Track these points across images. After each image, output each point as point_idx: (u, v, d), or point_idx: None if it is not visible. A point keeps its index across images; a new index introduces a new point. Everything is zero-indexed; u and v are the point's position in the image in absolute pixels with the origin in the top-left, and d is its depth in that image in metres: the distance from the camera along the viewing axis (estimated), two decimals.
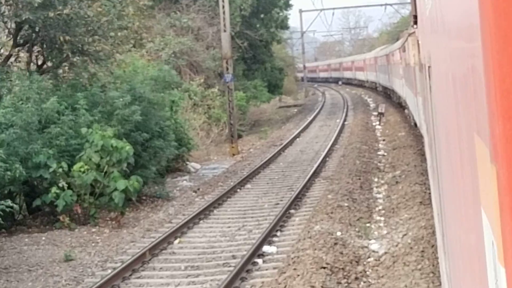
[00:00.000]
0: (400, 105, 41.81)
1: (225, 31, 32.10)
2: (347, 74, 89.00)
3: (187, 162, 28.93)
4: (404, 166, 23.07)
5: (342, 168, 22.95)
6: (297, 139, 34.93)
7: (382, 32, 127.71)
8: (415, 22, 9.03)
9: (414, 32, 14.04)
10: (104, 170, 18.35)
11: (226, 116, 39.13)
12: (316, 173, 22.66)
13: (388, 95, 51.73)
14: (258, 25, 47.90)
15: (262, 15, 49.19)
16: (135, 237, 16.40)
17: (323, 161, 25.28)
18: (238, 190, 21.82)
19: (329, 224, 15.31)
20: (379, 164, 25.25)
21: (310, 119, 46.06)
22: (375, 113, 43.87)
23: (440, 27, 3.29)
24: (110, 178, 18.10)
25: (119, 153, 18.33)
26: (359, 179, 21.21)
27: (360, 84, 76.90)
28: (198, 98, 39.06)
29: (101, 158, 18.29)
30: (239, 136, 42.56)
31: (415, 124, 26.38)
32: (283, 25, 51.84)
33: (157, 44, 40.61)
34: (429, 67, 5.54)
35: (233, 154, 31.99)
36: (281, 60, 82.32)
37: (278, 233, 15.62)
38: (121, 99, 20.28)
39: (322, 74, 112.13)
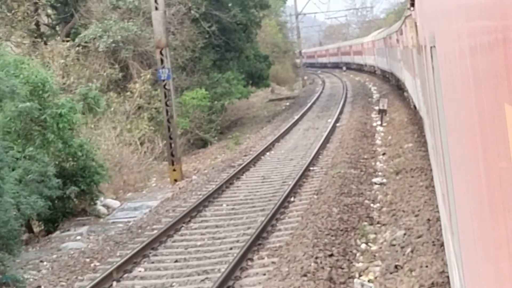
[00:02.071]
0: (399, 88, 39.01)
1: (157, 8, 22.58)
2: (346, 59, 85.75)
3: (97, 201, 19.55)
4: (412, 218, 13.56)
5: (306, 229, 13.39)
6: (268, 153, 25.41)
7: (389, 12, 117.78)
8: (412, 5, 9.54)
9: (411, 15, 13.90)
10: None
11: (182, 121, 29.70)
12: (257, 244, 13.09)
13: (388, 78, 49.22)
14: (230, 5, 38.26)
15: None
16: None
17: (281, 212, 15.67)
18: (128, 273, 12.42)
19: None
20: (371, 207, 15.74)
21: (297, 117, 36.52)
22: (378, 107, 34.14)
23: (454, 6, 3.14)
24: None
25: None
26: (329, 255, 11.70)
27: (360, 69, 73.29)
28: (143, 100, 29.58)
29: None
30: (203, 146, 33.16)
31: (415, 107, 24.02)
32: (263, 4, 42.16)
33: (93, 31, 31.14)
34: (432, 47, 5.40)
35: (175, 180, 22.58)
36: (275, 46, 72.79)
37: None
38: None
39: (321, 60, 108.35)
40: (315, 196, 16.50)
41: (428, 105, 7.57)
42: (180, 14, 35.07)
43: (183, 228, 15.28)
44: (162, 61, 22.69)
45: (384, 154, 23.08)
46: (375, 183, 18.51)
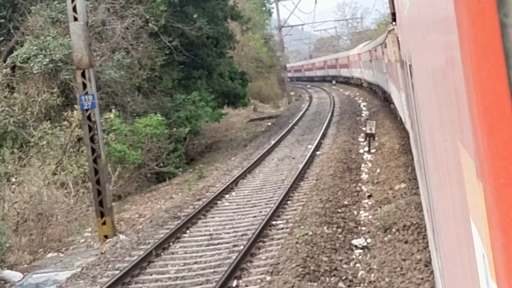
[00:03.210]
0: (385, 99, 37.92)
1: (76, 19, 17.53)
2: (332, 72, 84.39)
3: None
4: None
5: None
6: (227, 195, 20.29)
7: (380, 23, 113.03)
8: (394, 19, 8.86)
9: (393, 29, 13.87)
10: None
11: (133, 154, 24.71)
12: None
13: (374, 91, 48.71)
14: (195, 16, 33.26)
15: (202, 3, 34.55)
16: None
17: None
18: None
19: None
20: None
21: (274, 142, 31.48)
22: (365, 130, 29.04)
23: (420, 34, 3.27)
24: None
25: None
26: None
27: (347, 82, 72.57)
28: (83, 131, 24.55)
29: None
30: (162, 179, 28.11)
31: (401, 119, 23.37)
32: (235, 15, 37.13)
33: (27, 50, 26.14)
34: (410, 65, 5.51)
35: (105, 237, 17.46)
36: (258, 61, 67.86)
37: None
38: None
39: (308, 73, 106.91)
40: (267, 278, 11.40)
41: (412, 119, 7.30)
42: (135, 28, 30.09)
43: None
44: (84, 85, 17.64)
45: (370, 196, 18.03)
46: (357, 247, 13.45)
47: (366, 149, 26.96)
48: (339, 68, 77.02)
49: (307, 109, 50.77)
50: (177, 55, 31.94)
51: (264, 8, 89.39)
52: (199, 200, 19.91)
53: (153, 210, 21.09)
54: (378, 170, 21.58)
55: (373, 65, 42.39)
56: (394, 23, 9.83)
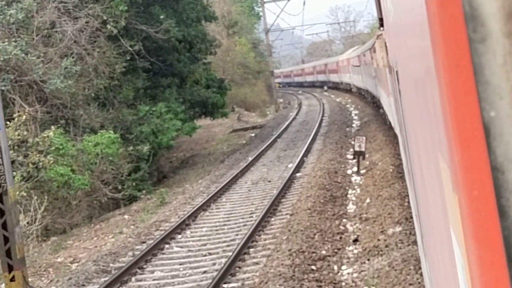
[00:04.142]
0: (375, 104, 37.07)
1: None
2: (321, 77, 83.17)
3: None
4: None
5: None
6: (179, 236, 16.12)
7: (373, 27, 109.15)
8: (381, 25, 8.86)
9: (381, 34, 13.52)
10: None
11: (80, 179, 20.66)
12: None
13: (364, 96, 48.03)
14: (162, 17, 29.12)
15: (170, 2, 30.41)
16: None
17: None
18: None
19: None
20: None
21: (252, 159, 27.37)
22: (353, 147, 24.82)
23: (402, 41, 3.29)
24: None
25: None
26: None
27: (336, 87, 71.68)
28: (15, 153, 20.52)
29: None
30: (121, 205, 24.03)
31: (390, 124, 22.57)
32: (208, 16, 32.97)
33: None
34: (397, 71, 5.51)
35: None
36: (244, 67, 63.75)
37: None
38: None
39: (297, 79, 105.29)
40: None
41: (400, 124, 7.31)
42: (91, 30, 25.97)
43: None
44: None
45: (356, 241, 13.91)
46: None
47: (355, 169, 22.88)
48: (328, 74, 75.88)
49: (294, 118, 46.67)
50: (140, 61, 27.79)
51: (253, 12, 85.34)
52: (143, 242, 15.75)
53: (92, 252, 16.94)
54: (368, 200, 17.47)
55: (362, 70, 41.47)
56: (382, 28, 9.58)
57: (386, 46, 11.10)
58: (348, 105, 52.64)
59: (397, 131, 13.50)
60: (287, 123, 43.10)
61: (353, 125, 37.12)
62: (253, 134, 41.80)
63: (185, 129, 30.11)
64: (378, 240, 13.15)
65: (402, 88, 4.66)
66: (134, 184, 25.70)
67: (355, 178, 21.71)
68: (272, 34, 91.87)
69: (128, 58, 27.08)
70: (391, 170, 20.47)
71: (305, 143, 30.24)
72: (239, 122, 50.50)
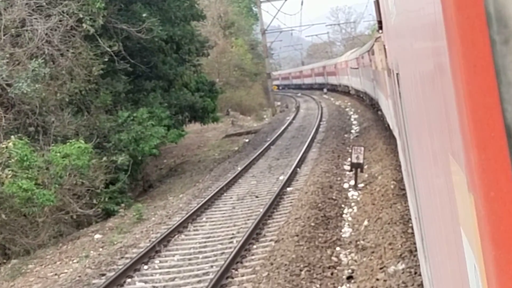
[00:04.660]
0: (373, 106, 36.20)
1: None
2: (319, 80, 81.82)
3: None
4: None
5: None
6: (145, 268, 13.71)
7: (374, 28, 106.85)
8: (380, 27, 8.74)
9: (380, 37, 13.89)
10: None
11: (45, 195, 18.38)
12: None
13: (362, 98, 47.15)
14: (144, 15, 26.79)
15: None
16: None
17: None
18: None
19: None
20: None
21: (241, 169, 25.07)
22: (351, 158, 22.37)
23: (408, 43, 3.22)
24: None
25: None
26: None
27: (334, 89, 70.55)
28: None
29: None
30: (96, 221, 21.78)
31: (388, 126, 21.82)
32: (196, 15, 30.60)
33: None
34: (397, 74, 5.47)
35: None
36: (240, 69, 61.44)
37: None
38: None
39: (295, 81, 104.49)
40: None
41: (400, 127, 7.17)
42: (64, 29, 23.67)
43: None
44: None
45: (350, 278, 11.57)
46: None
47: (352, 182, 20.57)
48: (326, 76, 74.89)
49: (291, 123, 44.34)
50: (120, 63, 25.45)
51: (250, 12, 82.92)
52: (102, 275, 13.42)
53: (47, 283, 14.63)
54: (366, 223, 15.14)
55: (360, 72, 40.86)
56: (380, 31, 9.51)
57: (385, 48, 11.06)
58: (347, 109, 50.32)
59: (395, 133, 13.50)
60: (283, 128, 40.77)
61: (352, 131, 34.80)
62: (247, 140, 39.50)
63: (170, 136, 27.75)
64: (377, 279, 10.82)
65: (403, 90, 4.64)
66: (110, 197, 23.40)
67: (352, 194, 19.40)
68: (271, 35, 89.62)
69: (107, 59, 24.74)
70: (392, 186, 18.16)
71: (300, 151, 27.92)
72: (233, 126, 48.15)
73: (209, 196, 20.00)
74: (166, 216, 18.89)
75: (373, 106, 36.20)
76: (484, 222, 1.34)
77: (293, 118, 47.47)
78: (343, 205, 17.89)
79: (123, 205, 23.96)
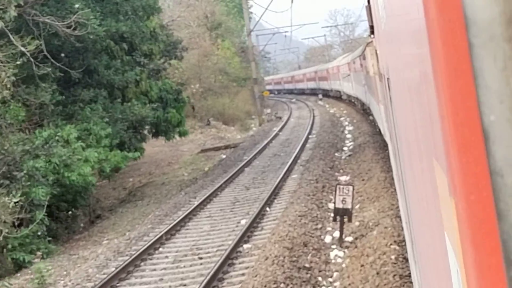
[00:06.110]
0: (364, 111, 35.26)
1: None
2: (311, 85, 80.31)
3: None
4: None
5: None
6: None
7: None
8: (372, 32, 8.71)
9: (372, 42, 13.20)
10: None
11: None
12: None
13: (354, 104, 45.93)
14: (77, 6, 20.70)
15: None
16: None
17: None
18: None
19: None
20: None
21: (197, 203, 19.06)
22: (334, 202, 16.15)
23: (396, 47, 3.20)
24: None
25: None
26: None
27: (326, 94, 68.84)
28: None
29: None
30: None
31: (380, 131, 21.56)
32: (146, 6, 24.41)
33: None
34: (388, 78, 5.41)
35: None
36: (224, 73, 55.34)
37: None
38: None
39: (287, 86, 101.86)
40: None
41: (391, 131, 7.05)
42: None
43: None
44: None
45: None
46: None
47: (337, 234, 14.53)
48: (318, 81, 73.47)
49: (276, 135, 38.27)
50: (38, 67, 19.39)
51: (241, 13, 76.97)
52: None
53: None
54: None
55: (352, 77, 39.97)
56: (372, 35, 9.46)
57: (376, 53, 10.89)
58: (342, 118, 44.31)
59: (386, 138, 12.70)
60: (265, 141, 34.69)
61: (344, 148, 28.73)
62: (224, 156, 33.50)
63: (112, 159, 21.64)
64: None
65: (393, 95, 4.67)
66: (21, 243, 17.44)
67: (335, 255, 13.36)
68: (265, 38, 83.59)
69: (20, 62, 18.68)
70: (392, 247, 12.13)
71: (277, 177, 21.91)
72: (213, 139, 42.05)
73: (135, 255, 13.93)
74: (87, 276, 12.86)
75: (364, 110, 35.93)
76: (465, 225, 1.34)
77: (280, 130, 41.36)
78: (319, 278, 11.87)
79: (39, 253, 17.99)
